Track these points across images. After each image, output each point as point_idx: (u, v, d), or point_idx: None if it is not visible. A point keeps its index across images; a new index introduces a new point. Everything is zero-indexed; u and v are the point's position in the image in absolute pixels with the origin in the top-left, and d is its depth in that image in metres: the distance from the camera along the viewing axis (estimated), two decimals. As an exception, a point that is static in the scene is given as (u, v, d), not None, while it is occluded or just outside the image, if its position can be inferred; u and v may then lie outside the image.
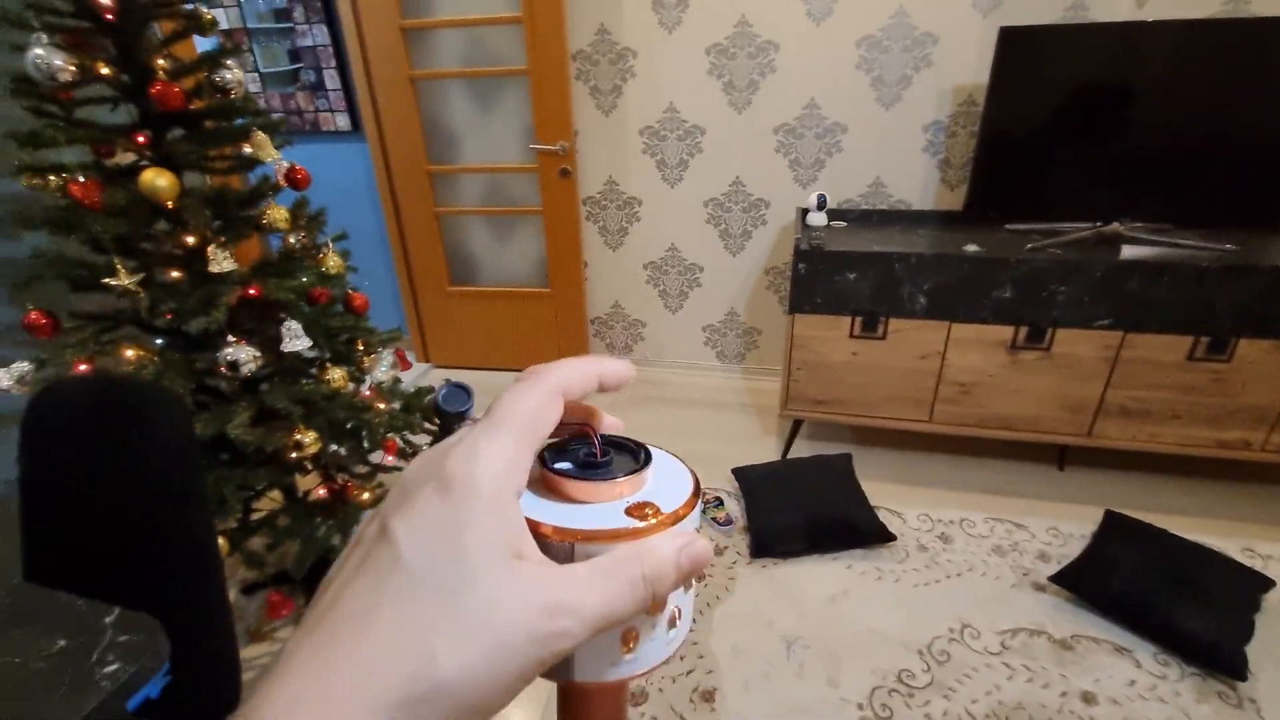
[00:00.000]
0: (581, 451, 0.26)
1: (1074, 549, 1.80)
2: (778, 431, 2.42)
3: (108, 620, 0.68)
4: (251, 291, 1.32)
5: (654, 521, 0.23)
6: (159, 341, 1.34)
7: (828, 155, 2.35)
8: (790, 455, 2.27)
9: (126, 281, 1.23)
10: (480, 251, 2.83)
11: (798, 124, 2.32)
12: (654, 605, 0.23)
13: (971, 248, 1.90)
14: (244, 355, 1.26)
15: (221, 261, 1.30)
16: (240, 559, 1.54)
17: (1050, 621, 1.62)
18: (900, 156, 2.29)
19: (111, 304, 1.37)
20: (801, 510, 1.88)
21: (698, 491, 0.25)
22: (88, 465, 0.91)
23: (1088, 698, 1.43)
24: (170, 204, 1.24)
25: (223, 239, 1.30)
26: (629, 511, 0.23)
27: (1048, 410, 2.01)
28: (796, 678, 1.49)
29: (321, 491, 1.57)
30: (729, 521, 1.95)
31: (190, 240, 1.28)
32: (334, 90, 2.71)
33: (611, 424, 0.28)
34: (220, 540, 1.42)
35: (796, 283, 2.00)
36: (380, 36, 2.43)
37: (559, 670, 0.24)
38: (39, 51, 1.15)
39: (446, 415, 0.24)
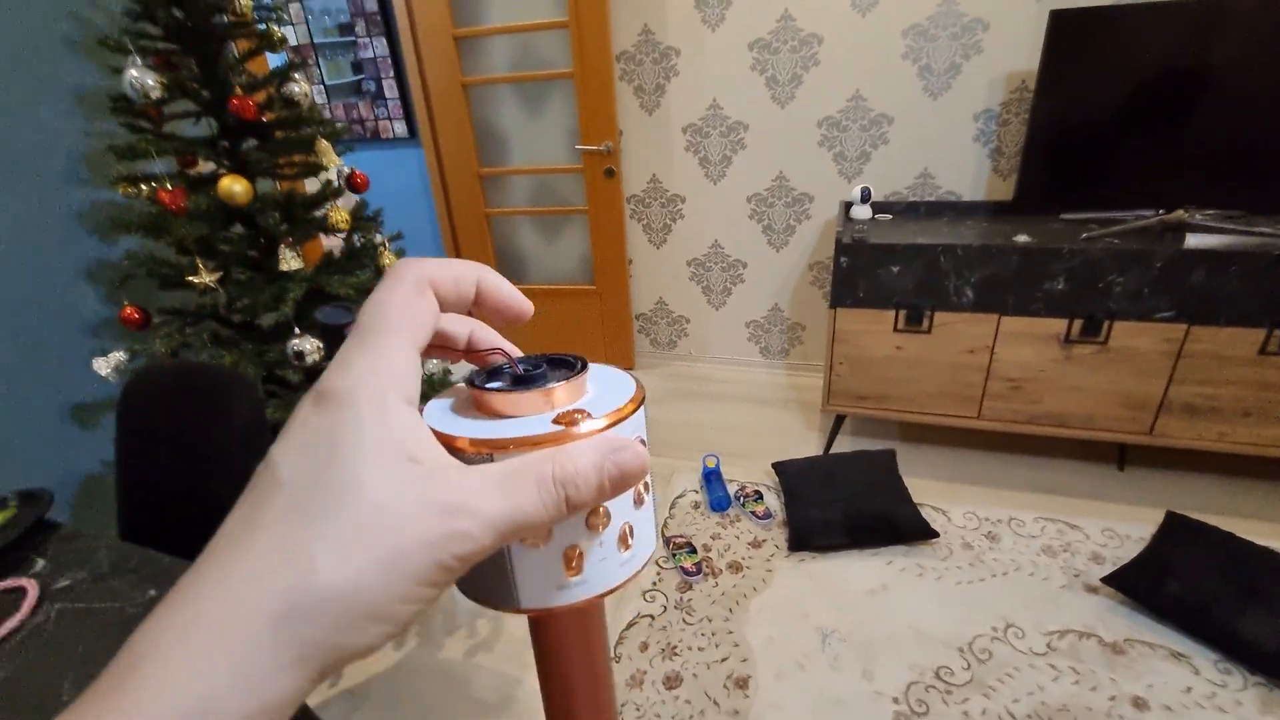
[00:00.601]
0: (518, 368, 0.24)
1: (1130, 551, 1.73)
2: (821, 427, 2.41)
3: (190, 575, 0.77)
4: (316, 288, 1.42)
5: (581, 428, 0.21)
6: (235, 333, 1.47)
7: (873, 148, 2.32)
8: (833, 451, 2.26)
9: (207, 279, 1.35)
10: (528, 250, 2.93)
11: (842, 117, 2.31)
12: (593, 518, 0.22)
13: (1022, 238, 1.85)
14: (308, 346, 1.37)
15: (290, 260, 1.41)
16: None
17: (1101, 624, 1.57)
18: (949, 147, 2.24)
19: (194, 300, 1.51)
20: (841, 505, 1.88)
21: (639, 400, 0.24)
22: (174, 440, 1.02)
23: (1139, 703, 1.38)
24: (245, 208, 1.36)
25: (290, 239, 1.41)
26: (557, 420, 0.22)
27: (1105, 407, 1.93)
28: (831, 669, 1.50)
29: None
30: (768, 515, 1.96)
31: (262, 241, 1.40)
32: (392, 99, 2.86)
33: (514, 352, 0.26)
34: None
35: (838, 276, 1.99)
36: (435, 45, 2.55)
37: (504, 597, 0.23)
38: (133, 73, 1.29)
39: (328, 330, 0.26)
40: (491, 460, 0.20)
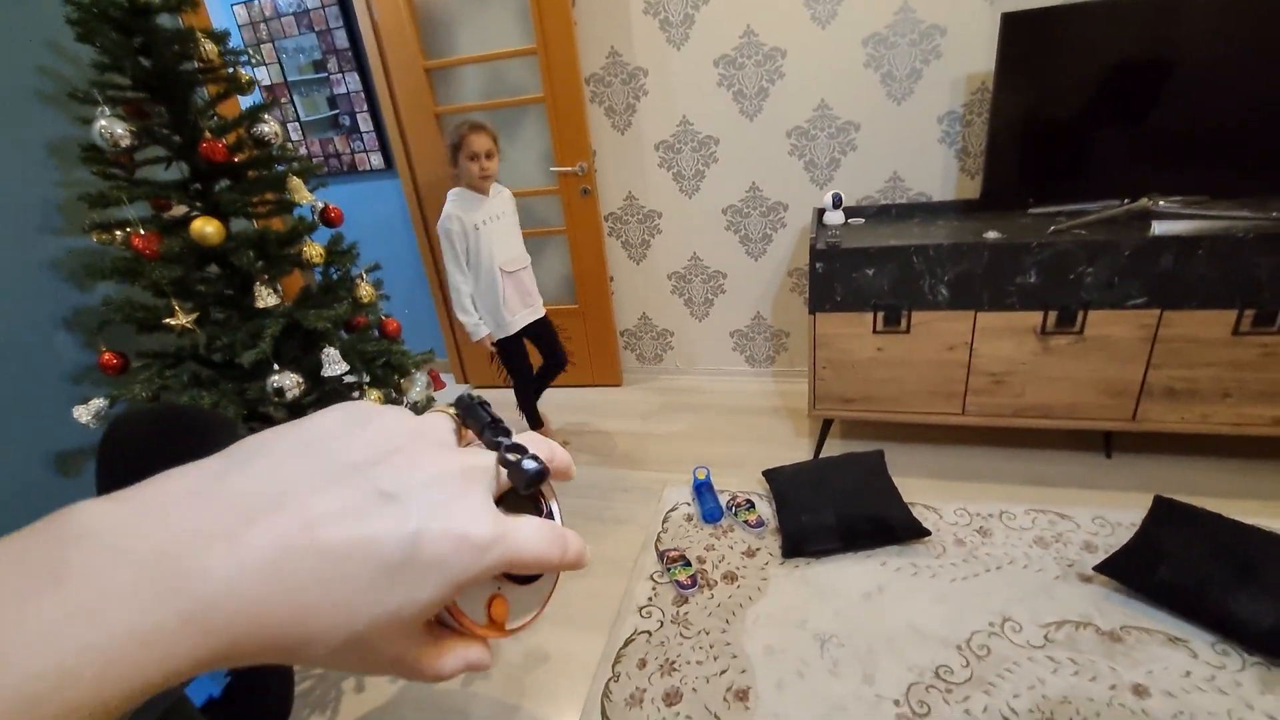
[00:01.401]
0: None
1: (1122, 538, 1.74)
2: (810, 432, 2.42)
3: (167, 617, 0.76)
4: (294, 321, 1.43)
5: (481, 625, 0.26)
6: (211, 373, 1.47)
7: (842, 154, 2.36)
8: (823, 455, 2.27)
9: (184, 320, 1.36)
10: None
11: (810, 126, 2.35)
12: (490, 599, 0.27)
13: (992, 234, 1.88)
14: (288, 382, 1.37)
15: (266, 297, 1.42)
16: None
17: (1098, 613, 1.57)
18: (916, 149, 2.29)
19: (173, 342, 1.51)
20: (833, 509, 1.88)
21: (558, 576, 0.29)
22: (151, 453, 1.02)
23: (1139, 690, 1.38)
24: (218, 248, 1.37)
25: (266, 276, 1.42)
26: (489, 618, 0.26)
27: (1087, 396, 1.95)
28: (831, 676, 1.49)
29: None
30: (760, 523, 1.96)
31: (238, 279, 1.40)
32: (367, 132, 2.89)
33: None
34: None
35: (815, 282, 2.01)
36: (406, 78, 2.58)
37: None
38: (103, 123, 1.30)
39: (533, 478, 0.26)
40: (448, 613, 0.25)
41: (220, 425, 1.03)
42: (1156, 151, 1.91)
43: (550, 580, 0.29)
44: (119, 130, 1.31)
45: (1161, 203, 1.87)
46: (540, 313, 2.29)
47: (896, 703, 1.41)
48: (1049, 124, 1.97)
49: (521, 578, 0.27)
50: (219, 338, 1.44)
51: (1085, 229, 1.86)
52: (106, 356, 1.41)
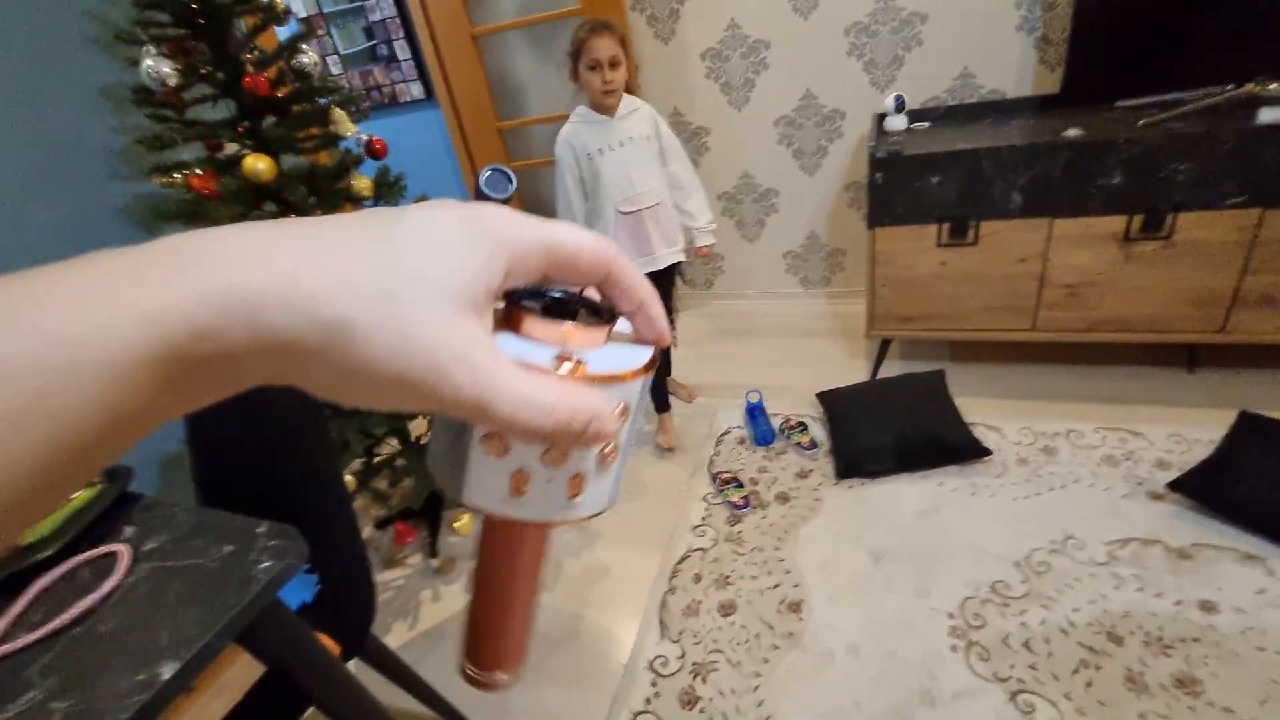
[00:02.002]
0: (551, 294, 0.24)
1: (1200, 456, 1.65)
2: (866, 354, 2.36)
3: (259, 530, 0.83)
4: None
5: (567, 373, 0.22)
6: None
7: (906, 51, 2.17)
8: (880, 376, 2.22)
9: (246, 258, 1.41)
10: (548, 193, 2.90)
11: (870, 21, 2.16)
12: (550, 454, 0.24)
13: (1073, 132, 1.72)
14: (348, 315, 1.42)
15: (320, 233, 1.44)
16: (369, 497, 1.77)
17: (1167, 530, 1.52)
18: (990, 40, 2.08)
19: (240, 280, 1.58)
20: (889, 430, 1.85)
21: (634, 374, 0.24)
22: (238, 411, 1.09)
23: (1207, 606, 1.35)
24: (271, 184, 1.39)
25: (319, 211, 1.45)
26: (559, 357, 0.23)
27: (1172, 306, 1.81)
28: (885, 590, 1.52)
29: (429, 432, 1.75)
30: (813, 445, 1.96)
31: (293, 215, 1.43)
32: (405, 60, 2.83)
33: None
34: (349, 478, 1.63)
35: (874, 194, 1.90)
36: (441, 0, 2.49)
37: (455, 488, 0.24)
38: (149, 62, 1.31)
39: (488, 200, 0.25)
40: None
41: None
42: (1265, 28, 1.67)
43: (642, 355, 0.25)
44: (165, 69, 1.32)
45: (1272, 86, 1.65)
46: (657, 264, 1.86)
47: (950, 615, 1.43)
48: (1142, 3, 1.75)
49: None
50: (281, 274, 1.49)
51: (1179, 121, 1.68)
52: (181, 296, 1.48)
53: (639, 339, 0.26)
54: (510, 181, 0.26)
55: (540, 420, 0.20)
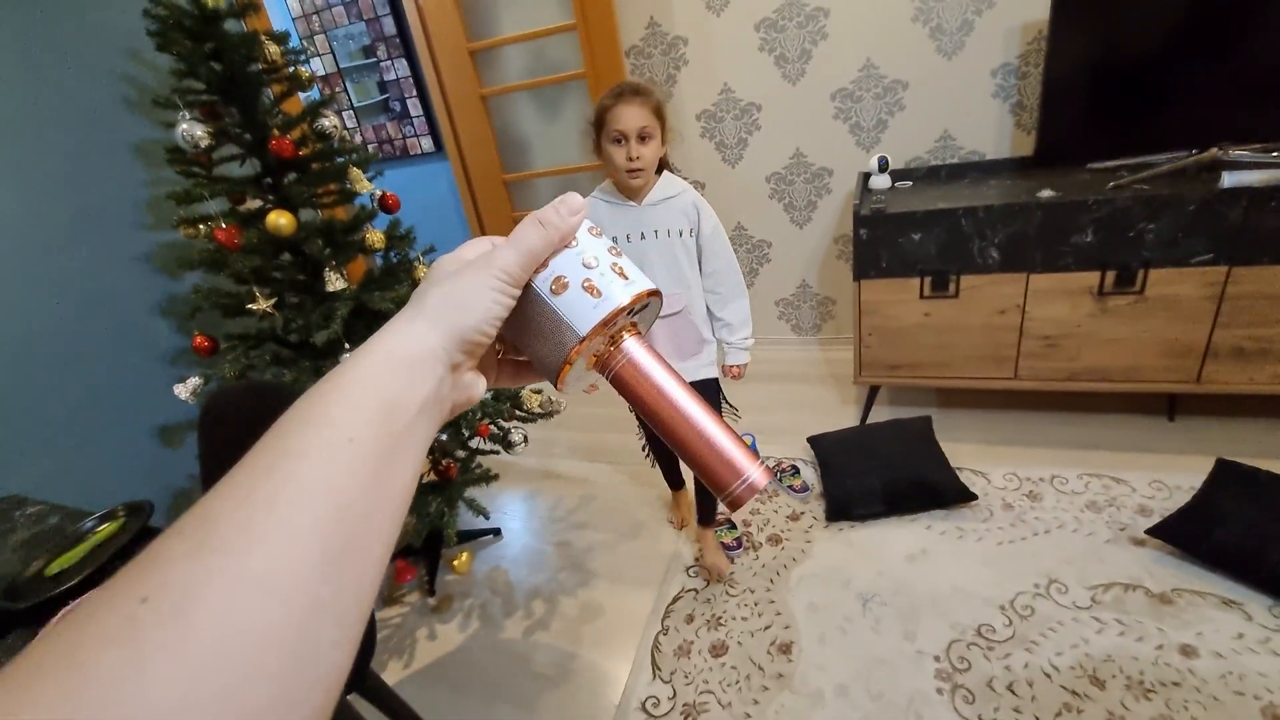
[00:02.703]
0: None
1: (1180, 502, 1.70)
2: (856, 400, 2.42)
3: (271, 566, 0.88)
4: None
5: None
6: (292, 352, 1.61)
7: (889, 115, 2.30)
8: (869, 422, 2.28)
9: (264, 305, 1.49)
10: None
11: (855, 87, 2.30)
12: (586, 258, 0.35)
13: (1046, 193, 1.83)
14: (358, 359, 1.49)
15: (335, 282, 1.53)
16: (372, 533, 1.80)
17: (1148, 575, 1.56)
18: (968, 106, 2.21)
19: (254, 325, 1.65)
20: (878, 474, 1.90)
21: (651, 294, 0.37)
22: (248, 444, 1.15)
23: (1187, 651, 1.38)
24: (291, 238, 1.48)
25: (334, 262, 1.54)
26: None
27: (1148, 358, 1.89)
28: (873, 632, 1.55)
29: (430, 473, 1.80)
30: (805, 488, 2.01)
31: (309, 266, 1.52)
32: (417, 116, 2.99)
33: None
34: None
35: (859, 248, 2.00)
36: (452, 61, 2.65)
37: (567, 338, 0.34)
38: (184, 126, 1.42)
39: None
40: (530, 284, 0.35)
41: (295, 396, 1.14)
42: (1227, 97, 1.80)
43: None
44: (199, 132, 1.43)
45: (1233, 152, 1.77)
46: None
47: (937, 658, 1.46)
48: (1108, 70, 1.88)
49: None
50: (294, 320, 1.57)
51: (1147, 183, 1.78)
52: (199, 340, 1.56)
53: None
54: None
55: (541, 238, 0.34)
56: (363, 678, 1.20)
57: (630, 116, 1.30)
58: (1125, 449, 1.96)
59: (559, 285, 0.34)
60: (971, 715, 1.33)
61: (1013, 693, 1.36)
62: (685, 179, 1.48)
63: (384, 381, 0.29)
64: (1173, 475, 1.82)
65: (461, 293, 0.32)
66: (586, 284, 0.34)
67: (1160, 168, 1.82)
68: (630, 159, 1.32)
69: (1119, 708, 1.30)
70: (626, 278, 0.36)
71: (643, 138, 1.32)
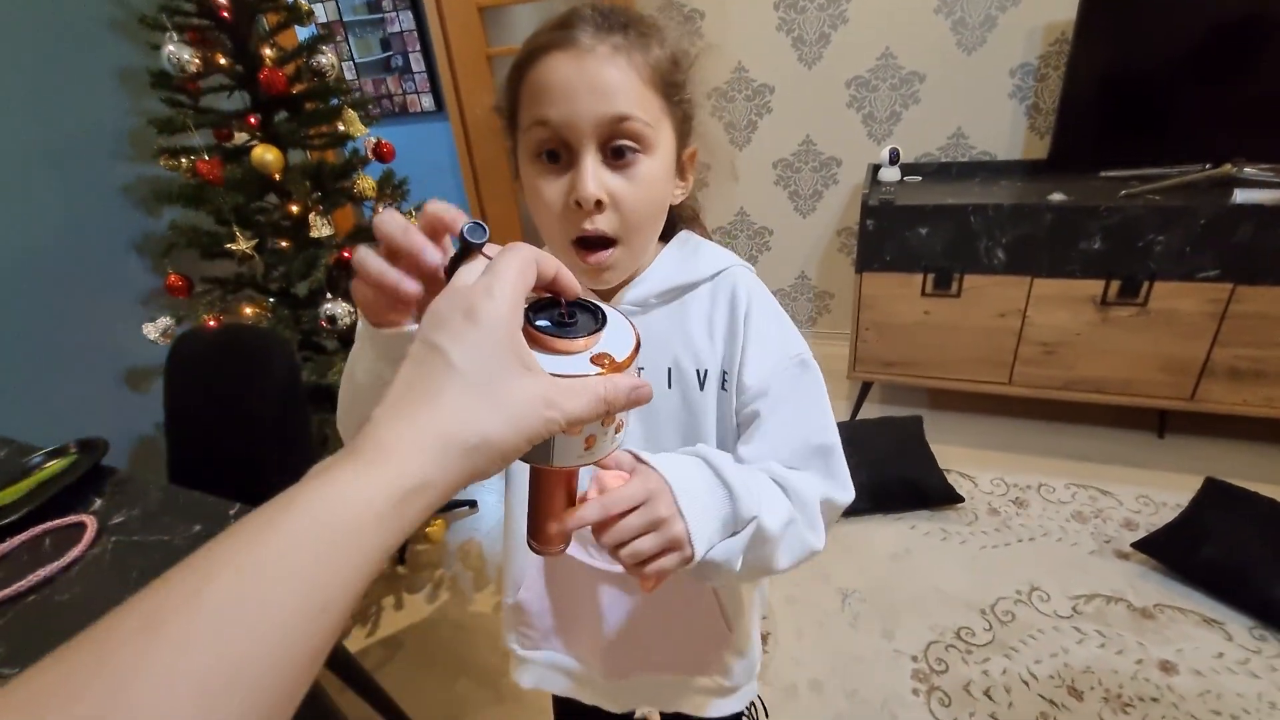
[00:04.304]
0: (555, 311, 0.35)
1: (1166, 518, 1.69)
2: (847, 396, 2.39)
3: (231, 513, 0.83)
4: (345, 254, 1.47)
5: (607, 368, 0.34)
6: (271, 300, 1.53)
7: (904, 107, 2.26)
8: (859, 419, 2.25)
9: (244, 247, 1.41)
10: (556, 221, 2.94)
11: (871, 76, 2.25)
12: (608, 420, 0.36)
13: (1057, 196, 1.79)
14: (340, 310, 1.42)
15: (321, 228, 1.46)
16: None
17: (1131, 589, 1.54)
18: (984, 104, 2.17)
19: (233, 270, 1.58)
20: (866, 471, 1.87)
21: (638, 344, 0.36)
22: (217, 396, 1.09)
23: (1166, 667, 1.37)
24: (277, 177, 1.41)
25: (321, 208, 1.46)
26: (594, 359, 0.34)
27: (1144, 372, 1.87)
28: (851, 628, 1.52)
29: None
30: (791, 479, 1.97)
31: (294, 209, 1.45)
32: (419, 72, 2.89)
33: (569, 283, 0.36)
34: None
35: (864, 240, 1.96)
36: (459, 18, 2.56)
37: (541, 456, 0.36)
38: (171, 49, 1.34)
39: (469, 244, 0.33)
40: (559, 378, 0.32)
41: (279, 345, 1.08)
42: (1246, 115, 1.77)
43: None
44: (186, 56, 1.34)
45: (1247, 169, 1.74)
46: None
47: (914, 658, 1.43)
48: (1130, 79, 1.84)
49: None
50: (276, 266, 1.49)
51: (1159, 194, 1.76)
52: (173, 279, 1.48)
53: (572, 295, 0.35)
54: (485, 231, 0.33)
55: (601, 409, 0.33)
56: (323, 640, 1.14)
57: (578, 89, 0.49)
58: (1114, 462, 1.94)
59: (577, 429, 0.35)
60: (946, 718, 1.31)
61: (989, 698, 1.34)
62: (725, 246, 0.66)
63: (329, 572, 0.24)
64: (1160, 491, 1.81)
65: (496, 422, 0.29)
66: (589, 438, 0.36)
67: (1173, 179, 1.80)
68: (578, 206, 0.51)
69: None
70: (620, 431, 0.39)
71: (617, 153, 0.51)
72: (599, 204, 0.50)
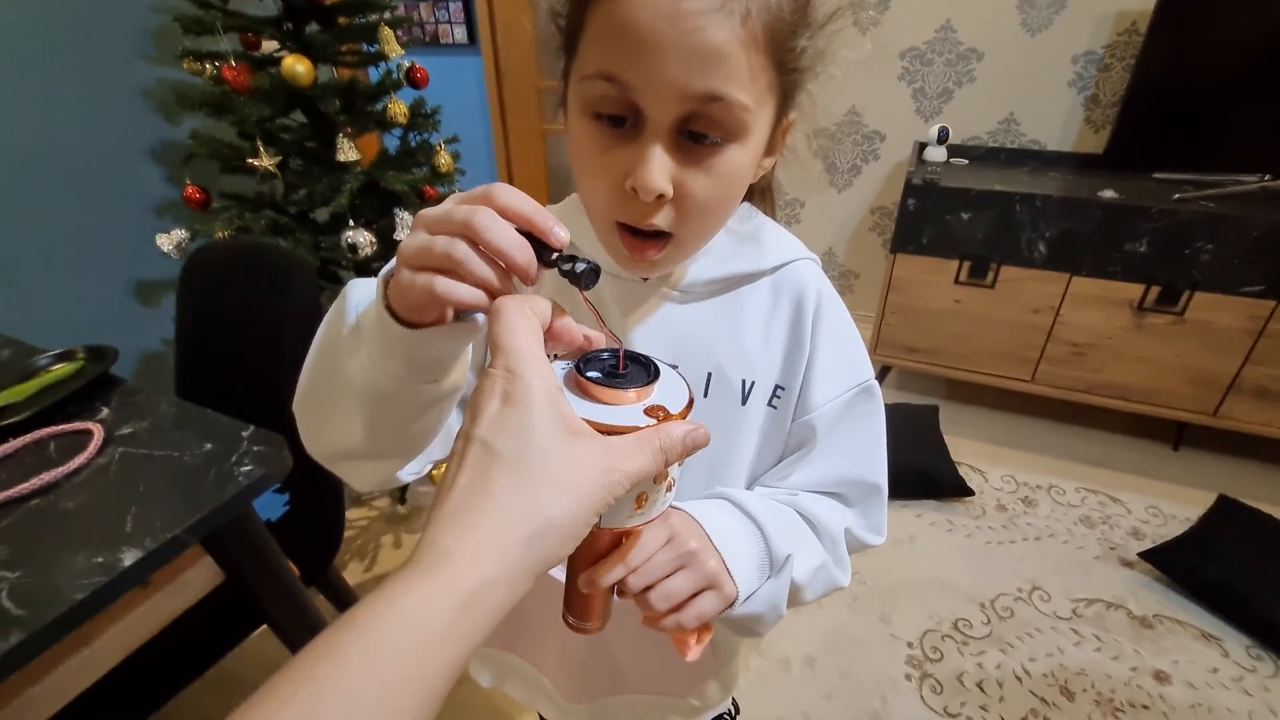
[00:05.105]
0: (605, 364, 0.34)
1: (1174, 531, 1.67)
2: (863, 377, 2.35)
3: (244, 434, 0.80)
4: (371, 181, 1.42)
5: (660, 421, 0.32)
6: (291, 222, 1.48)
7: (957, 85, 2.16)
8: (872, 402, 2.22)
9: (267, 163, 1.36)
10: (581, 172, 2.86)
11: (927, 49, 2.14)
12: (660, 476, 0.33)
13: (1109, 193, 1.72)
14: (362, 239, 1.37)
15: (347, 151, 1.40)
16: (349, 429, 1.72)
17: (1133, 597, 1.53)
18: (1040, 89, 2.07)
19: (253, 188, 1.52)
20: (876, 454, 1.85)
21: (692, 400, 0.34)
22: (233, 314, 1.05)
23: (1160, 676, 1.36)
24: (306, 91, 1.34)
25: (350, 130, 1.40)
26: (647, 411, 0.32)
27: (1170, 383, 1.83)
28: (849, 609, 1.51)
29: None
30: (800, 456, 1.95)
31: (321, 129, 1.38)
32: (454, 1, 2.77)
33: (568, 331, 0.34)
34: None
35: (903, 219, 1.90)
36: (502, -55, 2.44)
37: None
38: (201, -59, 1.26)
39: (576, 284, 0.32)
40: (611, 436, 0.30)
41: (301, 267, 1.03)
42: (1320, 125, 1.69)
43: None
44: (217, -48, 1.27)
45: (1311, 184, 1.68)
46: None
47: (910, 645, 1.43)
48: (1199, 80, 1.75)
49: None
50: (298, 188, 1.44)
51: (1213, 201, 1.69)
52: (190, 190, 1.43)
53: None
54: (598, 277, 0.32)
55: (659, 462, 0.30)
56: (324, 574, 1.13)
57: (667, 47, 0.35)
58: (1126, 470, 1.92)
59: None
60: (937, 706, 1.31)
61: (982, 690, 1.34)
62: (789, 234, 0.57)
63: (393, 695, 0.23)
64: (1170, 504, 1.79)
65: (558, 503, 0.27)
66: (640, 495, 0.34)
67: (1229, 188, 1.73)
68: (636, 191, 0.39)
69: (1086, 721, 1.28)
70: (672, 490, 0.36)
71: (696, 135, 0.39)
72: (660, 197, 0.39)
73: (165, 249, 1.44)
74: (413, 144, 1.57)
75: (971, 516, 1.76)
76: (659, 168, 0.38)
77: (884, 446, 0.54)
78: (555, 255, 0.31)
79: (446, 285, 0.31)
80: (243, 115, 1.33)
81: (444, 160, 1.54)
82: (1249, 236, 1.61)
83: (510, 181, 2.85)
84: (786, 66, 0.39)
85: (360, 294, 0.40)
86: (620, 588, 0.37)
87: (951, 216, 1.83)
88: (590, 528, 0.29)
